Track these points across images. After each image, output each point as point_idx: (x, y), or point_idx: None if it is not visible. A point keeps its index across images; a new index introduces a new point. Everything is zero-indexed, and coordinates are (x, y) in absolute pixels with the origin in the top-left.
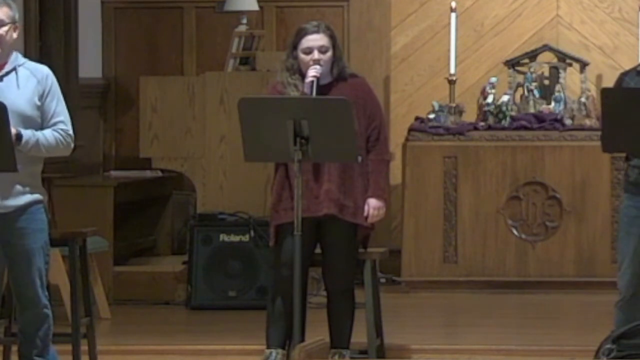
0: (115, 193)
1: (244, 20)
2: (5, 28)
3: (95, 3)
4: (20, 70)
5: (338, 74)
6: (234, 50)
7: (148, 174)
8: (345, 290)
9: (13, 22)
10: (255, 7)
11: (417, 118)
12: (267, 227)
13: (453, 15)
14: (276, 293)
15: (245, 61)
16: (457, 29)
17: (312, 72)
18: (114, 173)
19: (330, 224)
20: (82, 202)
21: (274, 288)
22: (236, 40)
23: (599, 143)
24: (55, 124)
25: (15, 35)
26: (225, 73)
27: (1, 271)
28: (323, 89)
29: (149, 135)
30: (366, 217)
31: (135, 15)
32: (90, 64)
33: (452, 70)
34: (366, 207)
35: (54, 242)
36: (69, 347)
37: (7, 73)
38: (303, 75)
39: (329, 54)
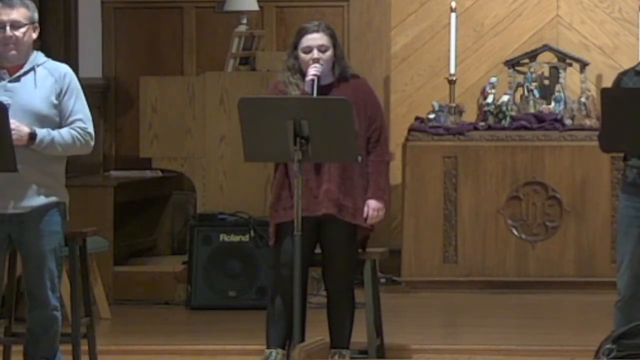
0: (115, 193)
1: (244, 20)
2: (23, 29)
3: (95, 3)
4: (39, 69)
5: (339, 74)
6: (234, 50)
7: (148, 174)
8: (345, 290)
9: (31, 22)
10: (255, 7)
11: (417, 118)
12: (267, 227)
13: (453, 15)
14: (276, 293)
15: (245, 61)
16: (457, 29)
17: (313, 71)
18: (114, 173)
19: (330, 224)
20: (82, 202)
21: (273, 288)
22: (236, 40)
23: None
24: (73, 122)
25: (34, 35)
26: (225, 73)
27: (1, 271)
28: (324, 89)
29: (149, 135)
30: (365, 218)
31: (135, 15)
32: (90, 64)
33: (452, 70)
34: (365, 208)
35: None
36: (69, 347)
37: (25, 73)
38: (304, 75)
39: (329, 53)
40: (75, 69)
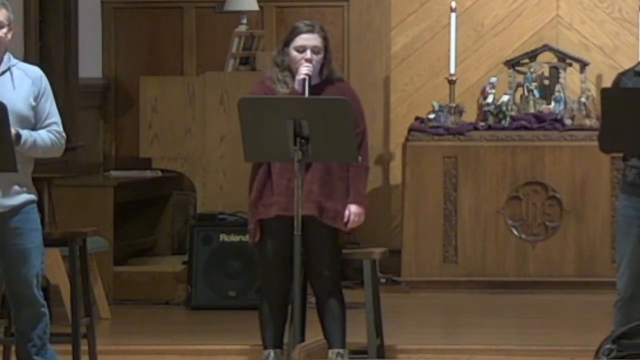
0: (115, 193)
1: (244, 20)
2: (5, 30)
3: (95, 3)
4: (14, 70)
5: (326, 77)
6: (234, 50)
7: (148, 174)
8: (332, 291)
9: (9, 23)
10: (255, 7)
11: (417, 118)
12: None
13: (453, 15)
14: (263, 293)
15: (245, 61)
16: (457, 29)
17: (304, 70)
18: (114, 173)
19: (311, 225)
20: (82, 202)
21: (262, 288)
22: (236, 40)
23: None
24: (49, 124)
25: (10, 36)
26: (225, 73)
27: (1, 271)
28: (313, 89)
29: (149, 135)
30: (346, 223)
31: (135, 15)
32: (90, 64)
33: (452, 70)
34: (346, 213)
35: (54, 242)
36: (69, 347)
37: (2, 73)
38: (292, 73)
39: (321, 55)
40: (75, 69)
